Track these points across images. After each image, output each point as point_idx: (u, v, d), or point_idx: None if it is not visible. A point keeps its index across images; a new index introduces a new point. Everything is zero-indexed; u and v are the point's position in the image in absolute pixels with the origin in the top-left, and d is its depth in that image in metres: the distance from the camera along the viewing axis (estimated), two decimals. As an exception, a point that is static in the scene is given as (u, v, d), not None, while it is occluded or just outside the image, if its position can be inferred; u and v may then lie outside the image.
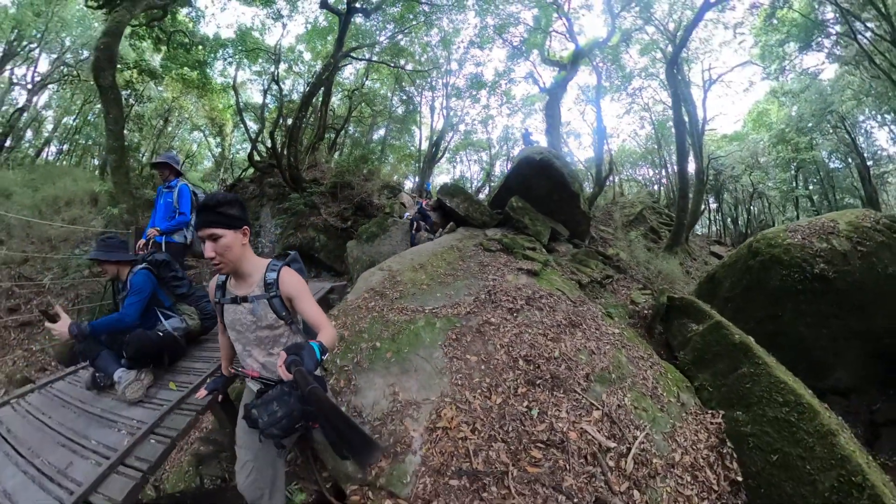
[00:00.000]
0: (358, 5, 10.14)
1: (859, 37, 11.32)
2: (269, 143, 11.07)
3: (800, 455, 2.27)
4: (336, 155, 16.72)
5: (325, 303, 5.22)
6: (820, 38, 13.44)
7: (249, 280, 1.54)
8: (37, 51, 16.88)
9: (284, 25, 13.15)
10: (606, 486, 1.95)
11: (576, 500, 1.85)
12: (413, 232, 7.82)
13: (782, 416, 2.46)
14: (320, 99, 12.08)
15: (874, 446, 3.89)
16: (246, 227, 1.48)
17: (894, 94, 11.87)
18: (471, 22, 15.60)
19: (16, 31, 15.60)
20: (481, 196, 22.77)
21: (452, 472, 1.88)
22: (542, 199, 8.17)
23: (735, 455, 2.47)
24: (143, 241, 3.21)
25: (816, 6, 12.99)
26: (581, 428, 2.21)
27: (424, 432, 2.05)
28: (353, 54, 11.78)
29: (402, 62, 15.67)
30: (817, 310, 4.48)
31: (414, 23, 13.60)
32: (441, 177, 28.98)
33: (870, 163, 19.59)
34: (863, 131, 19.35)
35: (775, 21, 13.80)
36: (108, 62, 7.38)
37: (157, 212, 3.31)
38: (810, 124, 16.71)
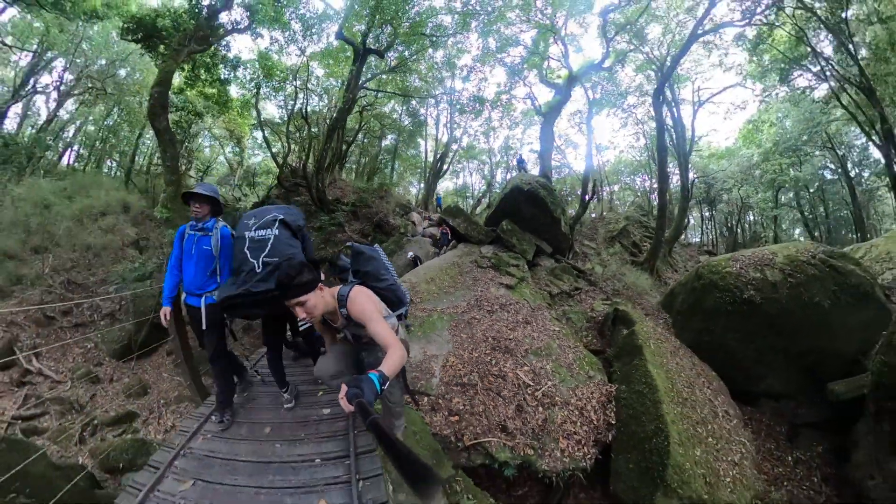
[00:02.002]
0: (372, 46, 12.76)
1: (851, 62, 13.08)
2: (293, 164, 13.73)
3: (642, 411, 4.00)
4: (346, 164, 19.50)
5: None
6: (797, 76, 15.64)
7: (337, 312, 1.95)
8: (61, 62, 19.58)
9: (301, 50, 15.71)
10: (525, 401, 4.47)
11: (507, 402, 4.44)
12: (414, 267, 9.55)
13: (640, 390, 4.31)
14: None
15: (794, 443, 4.84)
16: (320, 283, 1.79)
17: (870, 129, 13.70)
18: (473, 43, 18.19)
19: (44, 44, 18.25)
20: (484, 201, 25.56)
21: (453, 384, 4.52)
22: (529, 220, 10.73)
23: (614, 409, 4.36)
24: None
25: (797, 44, 14.87)
26: (516, 372, 4.80)
27: (440, 367, 4.70)
28: (367, 85, 14.40)
29: (411, 77, 18.34)
30: (745, 329, 5.46)
31: (420, 45, 16.23)
32: (445, 183, 31.91)
33: (866, 174, 21.97)
34: (858, 146, 21.43)
35: (762, 47, 15.78)
36: (161, 108, 9.26)
37: (192, 261, 2.69)
38: (805, 137, 18.46)
